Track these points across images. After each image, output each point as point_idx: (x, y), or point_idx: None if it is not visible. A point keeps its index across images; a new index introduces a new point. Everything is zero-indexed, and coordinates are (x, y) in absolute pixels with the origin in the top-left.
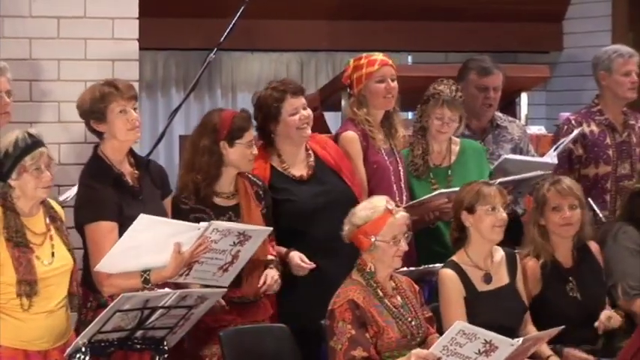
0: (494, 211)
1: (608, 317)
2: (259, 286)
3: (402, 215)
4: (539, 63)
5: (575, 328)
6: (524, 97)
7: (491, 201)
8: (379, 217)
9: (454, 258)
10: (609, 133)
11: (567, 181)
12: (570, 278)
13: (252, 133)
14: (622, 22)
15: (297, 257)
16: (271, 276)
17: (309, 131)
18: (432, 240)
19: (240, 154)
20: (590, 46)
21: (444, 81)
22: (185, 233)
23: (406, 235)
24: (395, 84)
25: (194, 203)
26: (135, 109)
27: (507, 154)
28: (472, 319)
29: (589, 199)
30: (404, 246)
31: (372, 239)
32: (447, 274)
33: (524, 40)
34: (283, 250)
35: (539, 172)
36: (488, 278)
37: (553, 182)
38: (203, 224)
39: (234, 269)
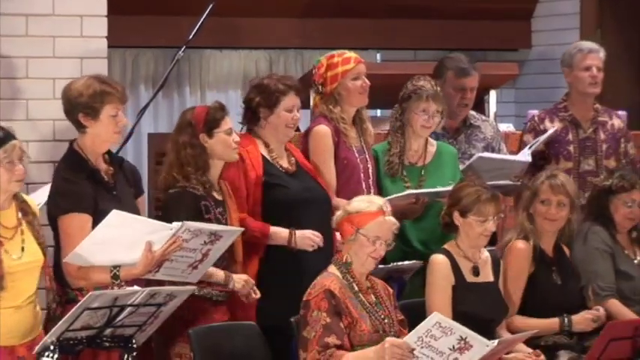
0: (484, 223)
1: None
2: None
3: (391, 220)
4: (507, 61)
5: (557, 315)
6: (493, 95)
7: (485, 213)
8: (371, 212)
9: (446, 246)
10: (572, 129)
11: (563, 178)
12: (553, 267)
13: (229, 122)
14: (590, 19)
15: (308, 231)
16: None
17: (292, 133)
18: (397, 237)
19: (221, 143)
20: (559, 43)
21: (422, 77)
22: (157, 232)
23: (388, 242)
24: (368, 81)
25: (202, 191)
26: (124, 113)
27: (480, 153)
28: (458, 306)
29: None
30: (381, 250)
31: (356, 229)
32: (440, 260)
33: (493, 38)
34: (286, 231)
35: (509, 182)
36: (476, 271)
37: (550, 176)
38: (175, 224)
39: (203, 266)
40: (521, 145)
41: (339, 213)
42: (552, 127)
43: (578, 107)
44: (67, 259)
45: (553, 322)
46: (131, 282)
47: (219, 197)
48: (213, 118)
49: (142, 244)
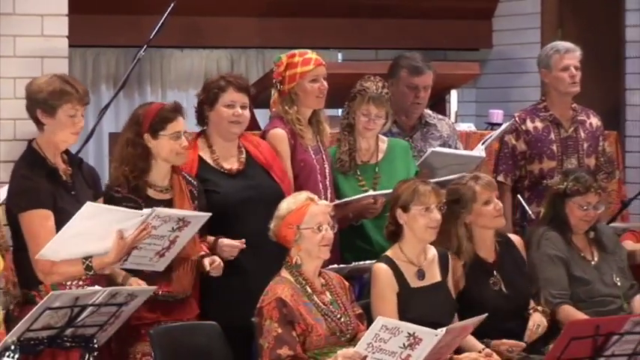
0: (428, 212)
1: (537, 325)
2: (207, 268)
3: (323, 203)
4: (468, 60)
5: (501, 321)
6: (454, 95)
7: (425, 201)
8: (301, 206)
9: (388, 253)
10: (554, 128)
11: (485, 176)
12: (495, 272)
13: (179, 125)
14: (551, 19)
15: (226, 241)
16: (218, 259)
17: (237, 130)
18: (357, 236)
19: (164, 147)
20: (520, 43)
21: (371, 78)
22: (128, 220)
23: (331, 224)
24: (326, 83)
25: (126, 192)
26: (82, 115)
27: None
28: (404, 314)
29: (518, 196)
30: (329, 234)
31: (296, 228)
32: (381, 269)
33: (454, 38)
34: (211, 238)
35: (463, 174)
36: (421, 274)
37: (474, 178)
38: (146, 210)
39: (170, 254)
40: (502, 147)
41: (273, 224)
42: (503, 126)
43: (557, 107)
44: (40, 255)
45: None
46: (92, 282)
47: (162, 196)
48: (160, 119)
49: (113, 232)
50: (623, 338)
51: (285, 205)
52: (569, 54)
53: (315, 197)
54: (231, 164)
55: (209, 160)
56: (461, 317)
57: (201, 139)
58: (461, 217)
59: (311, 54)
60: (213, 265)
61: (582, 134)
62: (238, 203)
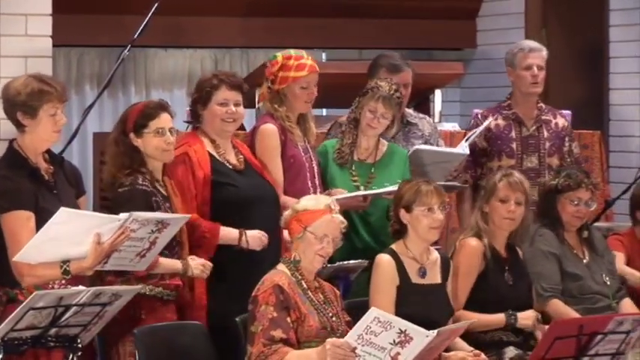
0: (430, 212)
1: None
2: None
3: (339, 218)
4: (452, 60)
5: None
6: (438, 94)
7: (427, 202)
8: (318, 210)
9: (393, 246)
10: (515, 126)
11: (518, 175)
12: (506, 267)
13: (162, 121)
14: (535, 19)
15: (257, 231)
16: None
17: (231, 128)
18: (346, 234)
19: (149, 144)
20: (504, 43)
21: (387, 79)
22: (104, 225)
23: (335, 240)
24: (316, 90)
25: (151, 187)
26: (63, 112)
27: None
28: (401, 308)
29: None
30: (328, 248)
31: (303, 227)
32: (385, 260)
33: (438, 37)
34: (235, 231)
35: (456, 184)
36: (423, 272)
37: (506, 174)
38: (123, 215)
39: (151, 255)
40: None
41: (287, 212)
42: (488, 120)
43: (521, 106)
44: (17, 257)
45: (499, 317)
46: (75, 281)
47: (165, 192)
48: (143, 117)
49: (91, 237)
50: (607, 338)
51: (305, 202)
52: (534, 53)
53: (336, 209)
54: (236, 161)
55: (216, 155)
56: (473, 302)
57: (203, 136)
58: (481, 203)
59: (306, 59)
60: (201, 271)
61: (545, 133)
62: (250, 199)
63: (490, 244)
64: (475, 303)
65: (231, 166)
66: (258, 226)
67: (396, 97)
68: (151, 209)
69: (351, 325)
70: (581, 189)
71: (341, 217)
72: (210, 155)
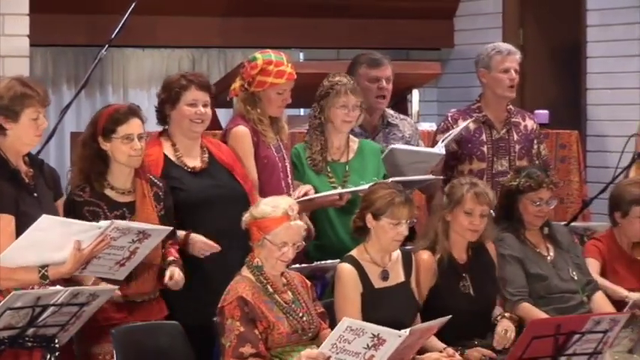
0: (397, 226)
1: (505, 331)
2: (165, 281)
3: (297, 224)
4: (430, 60)
5: (467, 323)
6: (415, 94)
7: (397, 216)
8: (276, 218)
9: (352, 253)
10: (486, 130)
11: (483, 187)
12: (464, 274)
13: (131, 127)
14: (512, 19)
15: (201, 237)
16: (177, 272)
17: (200, 128)
18: (325, 232)
19: (117, 149)
20: (481, 43)
21: (337, 73)
22: (85, 233)
23: (296, 245)
24: (289, 96)
25: (88, 196)
26: (45, 116)
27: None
28: (367, 314)
29: None
30: (289, 254)
31: (263, 236)
32: (346, 270)
33: (416, 37)
34: (182, 233)
35: (430, 177)
36: (385, 275)
37: (472, 184)
38: (104, 223)
39: (131, 264)
40: (434, 146)
41: (246, 215)
42: (468, 121)
43: (492, 108)
44: None
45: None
46: (52, 282)
47: (124, 199)
48: (112, 122)
49: (71, 243)
50: (584, 337)
51: (263, 209)
52: (511, 56)
53: (294, 213)
54: (195, 163)
55: (173, 158)
56: (427, 316)
57: (164, 137)
58: (444, 212)
59: (286, 66)
60: (172, 278)
61: (515, 136)
62: (203, 201)
63: (448, 252)
64: (433, 310)
65: (189, 169)
66: (213, 227)
67: (357, 86)
68: (84, 219)
69: (324, 316)
70: (542, 189)
71: (300, 222)
72: (166, 158)
